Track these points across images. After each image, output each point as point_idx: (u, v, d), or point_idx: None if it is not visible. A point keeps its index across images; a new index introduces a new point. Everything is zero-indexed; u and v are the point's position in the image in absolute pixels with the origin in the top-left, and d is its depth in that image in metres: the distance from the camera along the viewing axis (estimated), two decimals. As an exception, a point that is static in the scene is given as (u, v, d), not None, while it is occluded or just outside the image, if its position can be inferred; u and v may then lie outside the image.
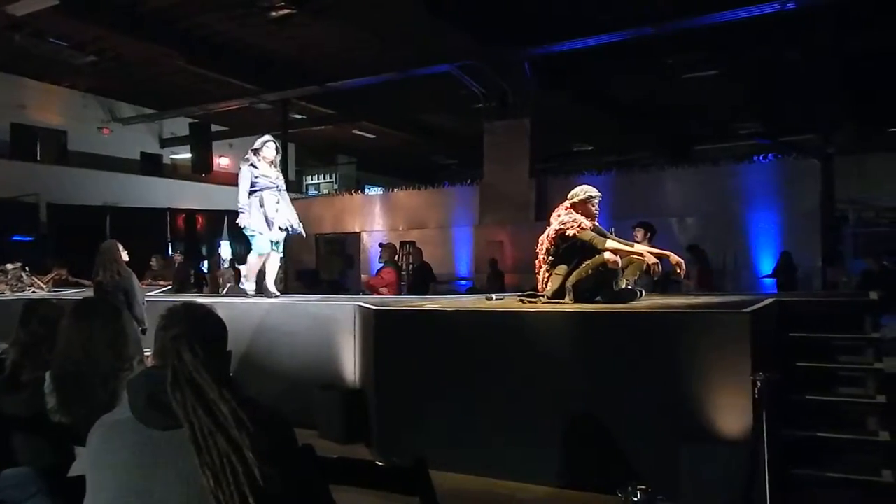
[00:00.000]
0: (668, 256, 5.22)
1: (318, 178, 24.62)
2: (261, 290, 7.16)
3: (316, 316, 6.11)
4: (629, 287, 5.17)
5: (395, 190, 16.08)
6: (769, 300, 4.91)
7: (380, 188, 19.95)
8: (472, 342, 4.81)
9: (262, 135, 7.09)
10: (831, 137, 11.64)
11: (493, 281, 11.85)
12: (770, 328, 4.59)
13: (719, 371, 4.02)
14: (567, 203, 5.44)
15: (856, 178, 11.58)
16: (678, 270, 5.18)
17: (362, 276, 14.38)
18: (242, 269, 7.36)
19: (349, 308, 5.85)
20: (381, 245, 10.34)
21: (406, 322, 5.20)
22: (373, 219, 15.70)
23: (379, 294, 9.35)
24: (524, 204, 13.18)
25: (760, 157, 11.75)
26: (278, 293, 7.04)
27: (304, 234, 7.34)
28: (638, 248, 5.32)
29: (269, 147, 6.91)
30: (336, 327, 5.89)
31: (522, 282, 9.87)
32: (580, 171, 13.90)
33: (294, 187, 21.64)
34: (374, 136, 20.25)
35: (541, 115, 13.56)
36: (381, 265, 9.92)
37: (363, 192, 17.65)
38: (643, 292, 5.31)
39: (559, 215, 5.36)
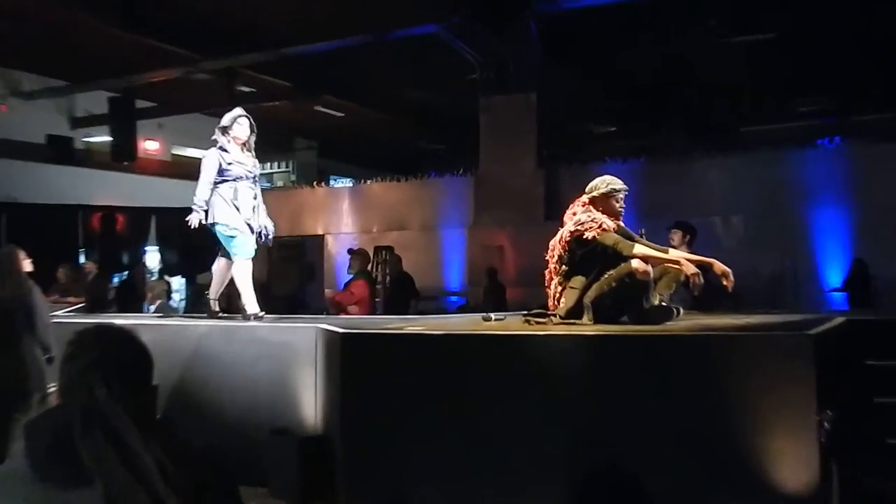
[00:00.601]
0: (711, 265, 5.22)
1: (271, 168, 24.57)
2: (234, 310, 7.06)
3: (266, 342, 6.08)
4: (663, 304, 5.20)
5: (368, 182, 16.12)
6: (838, 319, 4.94)
7: (348, 180, 19.95)
8: (466, 374, 4.78)
9: (229, 111, 6.99)
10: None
11: (491, 296, 11.87)
12: (840, 354, 4.61)
13: (776, 409, 4.02)
14: (584, 198, 5.44)
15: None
16: (725, 282, 5.19)
17: (326, 290, 14.39)
18: (216, 283, 7.11)
19: (309, 331, 5.82)
20: (350, 252, 10.35)
21: (382, 349, 5.18)
22: (340, 218, 15.71)
23: (347, 313, 9.36)
24: (530, 199, 13.24)
25: (825, 141, 11.87)
26: (263, 312, 6.91)
27: (270, 243, 7.27)
28: (673, 254, 5.34)
29: (240, 124, 6.85)
30: (292, 356, 5.86)
31: (528, 297, 9.88)
32: (600, 159, 13.95)
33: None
34: (341, 115, 20.26)
35: (550, 88, 13.65)
36: (351, 277, 9.95)
37: (327, 184, 17.67)
38: (680, 310, 5.32)
39: (575, 213, 5.37)
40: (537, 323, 5.26)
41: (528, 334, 4.80)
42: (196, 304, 15.64)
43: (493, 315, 6.17)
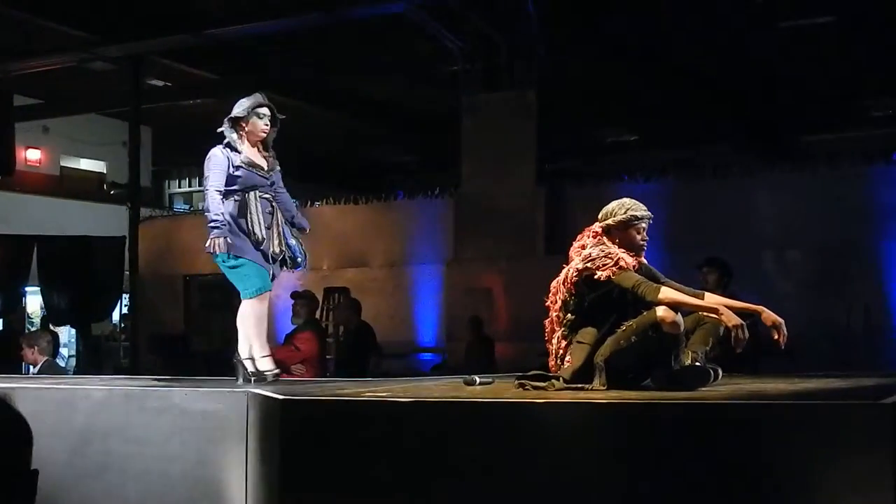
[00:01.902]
0: (759, 313, 5.26)
1: (190, 185, 24.56)
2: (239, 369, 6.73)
3: (184, 411, 6.02)
4: (697, 364, 5.20)
5: (317, 204, 16.10)
6: (921, 384, 4.97)
7: (292, 201, 19.91)
8: (441, 454, 4.78)
9: (245, 97, 6.88)
10: None
11: (475, 353, 11.88)
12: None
13: (845, 496, 4.04)
14: (597, 227, 5.48)
15: None
16: (776, 336, 5.22)
17: (262, 345, 14.29)
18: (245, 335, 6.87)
19: (239, 398, 5.79)
20: (294, 295, 10.34)
21: (332, 420, 5.17)
22: (279, 251, 15.67)
23: (290, 375, 9.30)
24: (527, 227, 13.29)
25: (905, 154, 12.03)
26: (276, 370, 6.77)
27: (303, 267, 7.06)
28: (710, 300, 5.37)
29: (259, 116, 6.77)
30: (217, 429, 5.81)
31: (524, 354, 9.90)
32: (617, 176, 14.07)
33: (151, 199, 21.56)
34: (282, 117, 20.28)
35: (554, 85, 13.74)
36: (294, 328, 9.95)
37: (264, 207, 17.61)
38: (719, 372, 5.35)
39: (584, 247, 5.40)
40: (535, 388, 5.25)
41: (522, 403, 4.81)
42: (93, 361, 15.48)
43: (477, 378, 6.14)
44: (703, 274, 7.97)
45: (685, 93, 17.35)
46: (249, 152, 6.67)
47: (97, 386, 6.67)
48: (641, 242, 5.45)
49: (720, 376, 5.34)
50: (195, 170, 24.45)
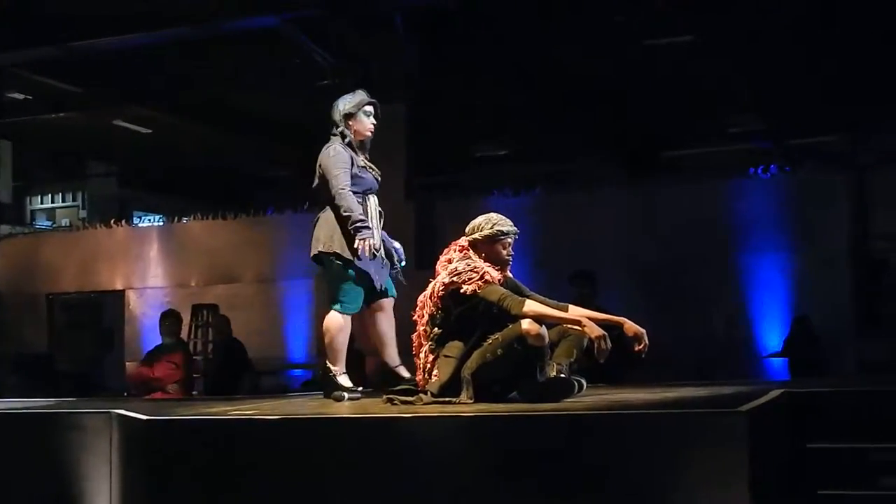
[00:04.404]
0: (621, 324, 5.40)
1: (53, 201, 23.92)
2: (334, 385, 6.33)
3: (45, 433, 5.89)
4: (562, 375, 5.29)
5: (185, 219, 15.87)
6: (776, 391, 5.12)
7: (158, 217, 19.59)
8: (309, 471, 4.77)
9: (350, 92, 6.63)
10: (866, 139, 12.36)
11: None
12: (778, 436, 4.80)
13: (705, 496, 4.17)
14: (463, 241, 5.55)
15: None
16: (638, 346, 5.35)
17: (128, 364, 14.03)
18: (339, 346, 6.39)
19: (102, 419, 5.68)
20: (163, 315, 10.25)
21: (200, 440, 5.11)
22: (146, 268, 15.39)
23: (157, 394, 9.20)
24: (398, 241, 13.27)
25: (759, 170, 12.33)
26: (358, 390, 6.42)
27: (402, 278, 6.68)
28: (574, 312, 5.46)
29: (367, 114, 6.55)
30: (79, 452, 5.69)
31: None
32: (486, 190, 14.18)
33: (11, 216, 20.93)
34: (149, 132, 19.94)
35: (423, 98, 13.80)
36: (162, 346, 9.86)
37: (130, 223, 17.29)
38: (584, 383, 5.44)
39: (450, 261, 5.46)
40: (402, 402, 5.28)
41: (389, 418, 4.82)
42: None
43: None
44: (572, 287, 8.10)
45: (555, 108, 17.55)
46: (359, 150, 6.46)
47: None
48: (507, 257, 5.51)
49: (585, 387, 5.42)
50: (58, 185, 23.84)
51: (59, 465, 5.78)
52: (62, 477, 5.76)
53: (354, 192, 6.24)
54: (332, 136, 6.48)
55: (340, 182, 6.22)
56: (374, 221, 6.33)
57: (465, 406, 5.06)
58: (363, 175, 6.41)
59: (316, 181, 6.47)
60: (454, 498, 4.52)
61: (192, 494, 4.98)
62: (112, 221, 16.76)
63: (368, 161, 6.58)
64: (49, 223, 22.66)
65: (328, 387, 6.36)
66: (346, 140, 6.42)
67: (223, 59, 15.42)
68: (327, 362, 6.37)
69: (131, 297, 15.31)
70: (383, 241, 6.44)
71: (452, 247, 5.57)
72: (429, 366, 5.38)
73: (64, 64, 15.45)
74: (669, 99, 16.61)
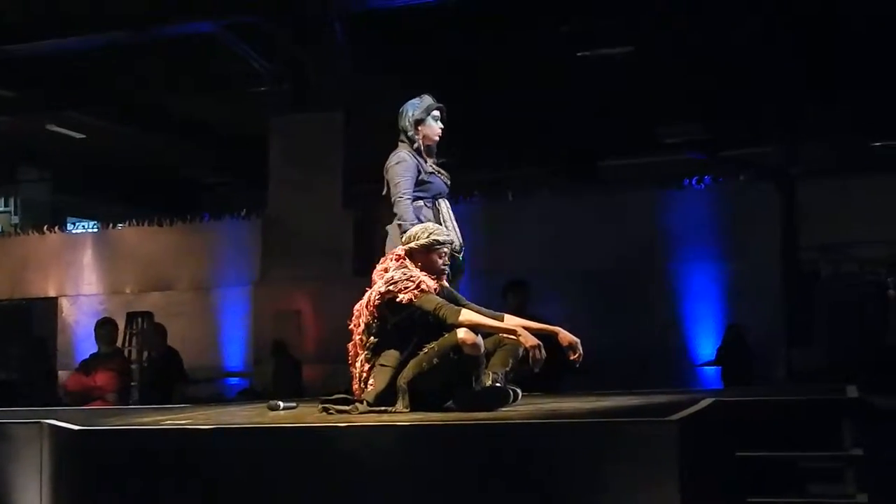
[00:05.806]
0: (555, 333, 5.43)
1: (-13, 206, 23.58)
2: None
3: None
4: (497, 384, 5.30)
5: (120, 226, 15.76)
6: (708, 401, 5.18)
7: (92, 223, 19.39)
8: (242, 481, 4.74)
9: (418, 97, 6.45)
10: (796, 150, 12.57)
11: (282, 377, 11.82)
12: (709, 445, 4.86)
13: (637, 502, 4.21)
14: (399, 250, 5.55)
15: (833, 212, 12.35)
16: (572, 356, 5.39)
17: (60, 373, 13.84)
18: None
19: (31, 430, 5.59)
20: (98, 324, 10.17)
21: (132, 451, 5.05)
22: (80, 275, 15.25)
23: (91, 404, 9.07)
24: (336, 249, 13.28)
25: (693, 181, 12.50)
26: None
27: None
28: (509, 321, 5.47)
29: (435, 118, 6.38)
30: (7, 462, 5.59)
31: (333, 378, 9.87)
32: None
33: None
34: (83, 137, 19.74)
35: (363, 105, 13.79)
36: (96, 354, 9.74)
37: (63, 229, 17.08)
38: (518, 393, 5.46)
39: (387, 269, 5.45)
40: (338, 412, 5.27)
41: (323, 427, 4.80)
42: None
43: (281, 403, 6.13)
44: (506, 295, 8.13)
45: (495, 117, 17.64)
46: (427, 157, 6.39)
47: None
48: (443, 266, 5.51)
49: (520, 396, 5.45)
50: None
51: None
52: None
53: (423, 198, 6.25)
54: (399, 143, 6.40)
55: (400, 190, 6.17)
56: (450, 224, 6.28)
57: (401, 415, 5.06)
58: (431, 180, 6.35)
59: (385, 189, 6.38)
60: (389, 507, 4.53)
61: (122, 504, 4.93)
62: (45, 228, 16.58)
63: (437, 166, 6.51)
64: (-19, 228, 22.32)
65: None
66: (415, 146, 6.34)
67: (160, 64, 15.33)
68: None
69: (64, 304, 15.16)
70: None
71: (389, 256, 5.58)
72: (365, 374, 5.36)
73: (-3, 67, 15.28)
74: (606, 109, 16.79)
